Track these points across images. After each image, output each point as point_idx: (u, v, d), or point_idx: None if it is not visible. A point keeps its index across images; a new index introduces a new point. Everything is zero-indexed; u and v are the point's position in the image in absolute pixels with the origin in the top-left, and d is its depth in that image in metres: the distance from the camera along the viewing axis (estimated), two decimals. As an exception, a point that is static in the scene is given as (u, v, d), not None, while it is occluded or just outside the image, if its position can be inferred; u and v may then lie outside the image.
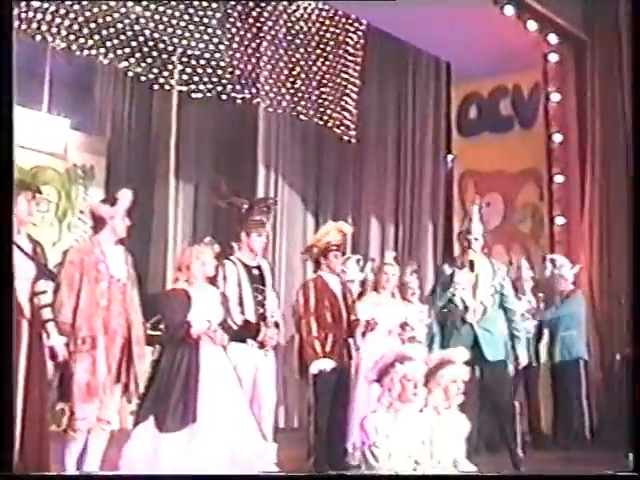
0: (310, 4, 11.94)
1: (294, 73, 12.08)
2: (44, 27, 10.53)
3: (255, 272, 7.14)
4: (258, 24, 11.75)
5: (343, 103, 12.38)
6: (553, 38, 11.19)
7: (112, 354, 5.91)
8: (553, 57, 11.40)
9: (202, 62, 11.65)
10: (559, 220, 11.15)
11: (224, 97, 11.67)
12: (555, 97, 11.37)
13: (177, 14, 11.21)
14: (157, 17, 11.15)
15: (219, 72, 11.67)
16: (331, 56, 12.31)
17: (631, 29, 5.20)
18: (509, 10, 10.40)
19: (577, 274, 10.08)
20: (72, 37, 10.89)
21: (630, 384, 4.16)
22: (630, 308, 4.47)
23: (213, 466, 5.93)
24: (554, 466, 7.60)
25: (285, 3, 11.77)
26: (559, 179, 11.24)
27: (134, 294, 6.13)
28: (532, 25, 10.80)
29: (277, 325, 7.15)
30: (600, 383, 10.12)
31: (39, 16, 10.44)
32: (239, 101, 11.75)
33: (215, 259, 6.56)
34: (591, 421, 9.92)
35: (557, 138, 11.29)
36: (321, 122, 12.22)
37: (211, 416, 6.03)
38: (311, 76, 12.21)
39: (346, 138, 12.42)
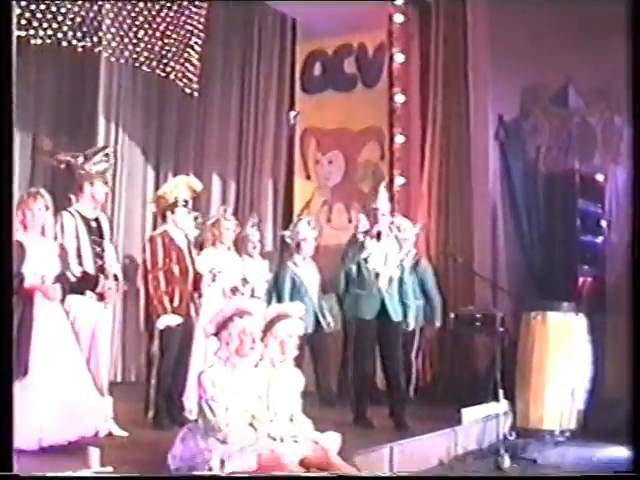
0: (155, -48, 11.69)
1: (137, 23, 11.78)
2: None
3: (93, 224, 7.10)
4: (102, -30, 11.43)
5: (186, 55, 12.13)
6: (399, -1, 11.25)
7: None
8: (398, 18, 11.49)
9: (42, 7, 11.24)
10: (399, 180, 11.29)
11: (64, 44, 11.32)
12: (399, 58, 11.48)
13: (16, -44, 10.80)
14: (-5, -42, 10.71)
15: (59, 18, 11.28)
16: (175, 7, 12.05)
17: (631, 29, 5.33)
18: (358, -31, 10.39)
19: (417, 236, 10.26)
20: None
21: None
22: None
23: (45, 420, 5.83)
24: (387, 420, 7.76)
25: (129, -50, 11.48)
26: (400, 139, 11.38)
27: None
28: (379, -15, 10.83)
29: (116, 277, 7.12)
30: (434, 342, 10.32)
31: None
32: (80, 49, 11.42)
33: (49, 209, 6.38)
34: (425, 378, 10.16)
35: (399, 98, 11.42)
36: (163, 74, 11.96)
37: (43, 370, 5.91)
38: (154, 26, 11.92)
39: (189, 91, 12.22)
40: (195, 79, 12.24)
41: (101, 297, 6.95)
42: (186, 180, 8.06)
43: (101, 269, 6.98)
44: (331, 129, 11.86)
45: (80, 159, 7.15)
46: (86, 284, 6.86)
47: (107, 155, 7.34)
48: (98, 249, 7.01)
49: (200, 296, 7.70)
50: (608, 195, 10.40)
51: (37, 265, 6.11)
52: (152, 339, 7.45)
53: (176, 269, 7.45)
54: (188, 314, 7.48)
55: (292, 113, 12.22)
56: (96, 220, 7.14)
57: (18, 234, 6.06)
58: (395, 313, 7.89)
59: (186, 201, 7.70)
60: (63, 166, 7.20)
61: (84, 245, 6.93)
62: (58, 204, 6.93)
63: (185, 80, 12.15)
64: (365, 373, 8.10)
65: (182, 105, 12.47)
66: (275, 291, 9.55)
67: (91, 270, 6.90)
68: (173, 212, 7.60)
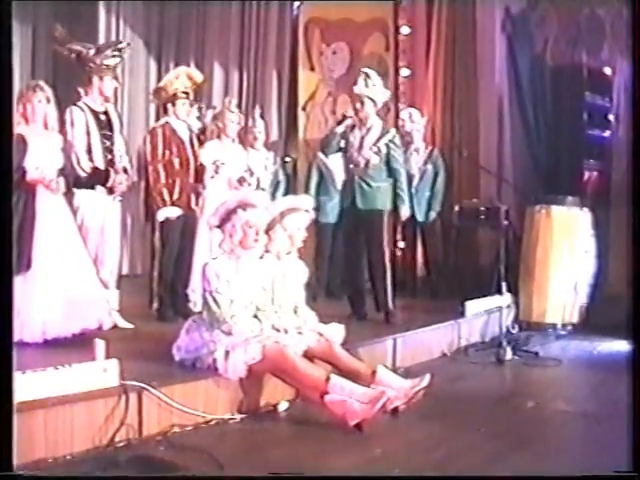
0: None
1: None
2: None
3: (103, 118, 7.03)
4: None
5: (187, -57, 11.95)
6: None
7: None
8: None
9: None
10: (404, 71, 11.17)
11: None
12: (404, -53, 11.24)
13: None
14: None
15: None
16: None
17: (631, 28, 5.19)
18: None
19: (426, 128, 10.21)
20: None
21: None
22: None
23: (48, 313, 5.87)
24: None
25: None
26: (405, 30, 11.20)
27: None
28: None
29: (125, 171, 7.09)
30: (438, 234, 10.29)
31: None
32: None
33: (50, 102, 6.29)
34: (428, 271, 10.18)
35: (405, -11, 11.22)
36: (163, -37, 11.79)
37: (46, 263, 5.92)
38: None
39: (189, -19, 12.04)
40: (195, -32, 12.04)
41: (111, 191, 6.94)
42: (186, 71, 7.97)
43: (111, 163, 6.95)
44: (335, 20, 11.67)
45: (92, 51, 7.04)
46: (96, 179, 6.86)
47: (119, 50, 7.22)
48: (108, 143, 6.97)
49: (203, 188, 7.68)
50: (616, 89, 10.25)
51: (39, 159, 6.07)
52: (154, 231, 7.48)
53: (176, 161, 7.42)
54: (189, 206, 7.48)
55: (296, 3, 12.00)
56: (105, 113, 7.08)
57: (19, 128, 6.01)
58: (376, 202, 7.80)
59: (187, 93, 7.63)
60: (74, 56, 7.08)
61: (94, 140, 6.89)
62: (67, 97, 6.90)
63: (185, -30, 11.96)
64: (354, 264, 8.08)
65: (183, -6, 12.28)
66: (305, 180, 9.68)
67: (101, 165, 6.88)
68: (174, 104, 7.54)
